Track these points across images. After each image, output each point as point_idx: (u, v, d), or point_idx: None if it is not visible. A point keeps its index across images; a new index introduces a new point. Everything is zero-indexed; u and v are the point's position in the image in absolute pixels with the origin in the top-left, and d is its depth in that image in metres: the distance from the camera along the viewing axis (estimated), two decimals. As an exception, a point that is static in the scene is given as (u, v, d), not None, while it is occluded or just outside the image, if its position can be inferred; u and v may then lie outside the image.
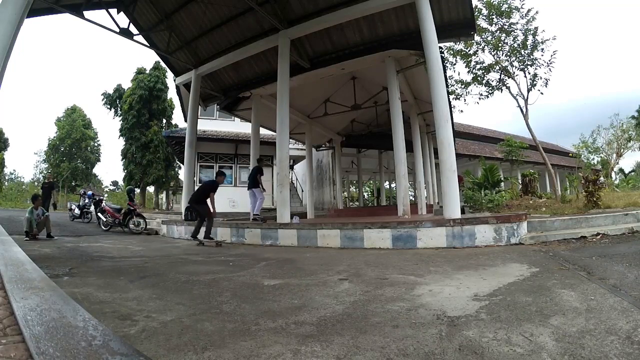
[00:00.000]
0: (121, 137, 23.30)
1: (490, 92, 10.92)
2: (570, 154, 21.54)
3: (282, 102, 7.33)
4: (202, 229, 6.52)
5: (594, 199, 6.59)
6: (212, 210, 6.45)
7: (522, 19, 10.18)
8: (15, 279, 2.11)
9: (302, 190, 19.48)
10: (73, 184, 33.31)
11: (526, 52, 10.21)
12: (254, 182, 8.28)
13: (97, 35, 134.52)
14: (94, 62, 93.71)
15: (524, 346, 1.48)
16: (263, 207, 8.85)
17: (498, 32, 10.38)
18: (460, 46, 10.70)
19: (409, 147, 9.37)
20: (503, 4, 10.18)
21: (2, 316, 1.55)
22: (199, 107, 10.55)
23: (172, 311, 2.17)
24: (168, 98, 23.97)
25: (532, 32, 10.13)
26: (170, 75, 16.76)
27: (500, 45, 10.28)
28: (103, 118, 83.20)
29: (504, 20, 10.27)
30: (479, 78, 10.64)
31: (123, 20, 8.08)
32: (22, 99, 74.38)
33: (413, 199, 15.36)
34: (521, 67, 10.37)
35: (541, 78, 10.32)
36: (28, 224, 6.85)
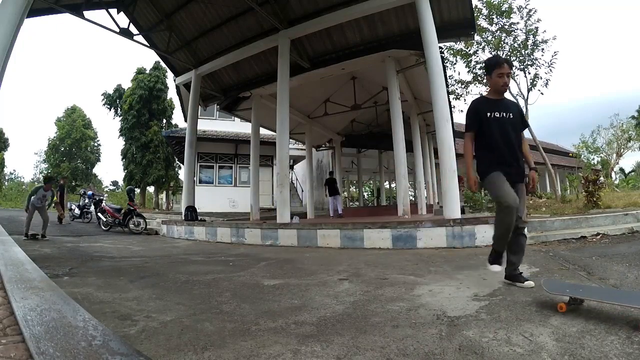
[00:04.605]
0: (121, 137, 23.29)
1: (490, 92, 10.90)
2: (570, 154, 21.47)
3: (282, 102, 7.33)
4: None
5: (594, 199, 6.59)
6: None
7: (522, 19, 10.19)
8: (15, 279, 2.12)
9: (302, 190, 19.48)
10: (73, 184, 33.26)
11: (526, 52, 10.21)
12: (336, 190, 11.36)
13: (97, 35, 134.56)
14: (94, 62, 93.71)
15: (524, 346, 1.48)
16: (263, 207, 8.94)
17: (498, 32, 10.37)
18: (460, 46, 10.69)
19: (409, 147, 9.37)
20: (503, 3, 10.18)
21: (2, 316, 1.55)
22: (199, 107, 10.55)
23: (172, 311, 2.17)
24: (168, 98, 23.94)
25: (532, 32, 10.13)
26: (170, 75, 16.74)
27: (500, 45, 10.27)
28: (103, 118, 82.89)
29: (504, 20, 10.26)
30: (479, 78, 10.63)
31: (123, 20, 8.08)
32: (22, 99, 74.40)
33: (413, 199, 15.34)
34: (521, 67, 10.36)
35: (541, 78, 10.31)
36: (27, 224, 6.85)
